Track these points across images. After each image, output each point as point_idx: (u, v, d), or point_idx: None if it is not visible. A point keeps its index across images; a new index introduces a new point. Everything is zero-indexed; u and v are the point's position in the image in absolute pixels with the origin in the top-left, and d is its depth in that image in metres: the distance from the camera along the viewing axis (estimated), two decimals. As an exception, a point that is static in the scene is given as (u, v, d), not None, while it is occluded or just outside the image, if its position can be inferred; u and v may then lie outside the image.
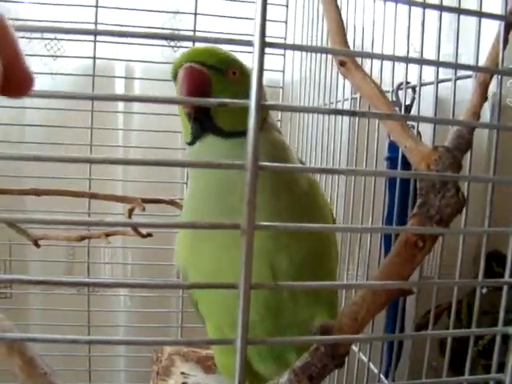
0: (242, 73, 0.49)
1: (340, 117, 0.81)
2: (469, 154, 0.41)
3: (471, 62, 0.45)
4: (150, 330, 0.97)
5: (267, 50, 0.25)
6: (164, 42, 1.03)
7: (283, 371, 0.41)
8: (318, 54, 0.89)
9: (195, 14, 0.96)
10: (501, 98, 0.43)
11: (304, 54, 0.97)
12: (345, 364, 0.42)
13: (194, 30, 0.97)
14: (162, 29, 1.05)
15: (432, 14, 0.52)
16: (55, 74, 1.01)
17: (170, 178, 1.02)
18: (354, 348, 0.72)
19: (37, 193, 0.77)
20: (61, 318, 0.97)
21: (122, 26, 0.93)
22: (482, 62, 0.42)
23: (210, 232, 0.47)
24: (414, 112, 0.62)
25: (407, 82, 0.61)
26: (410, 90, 0.62)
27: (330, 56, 0.79)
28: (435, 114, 0.53)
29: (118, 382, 1.09)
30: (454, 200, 0.34)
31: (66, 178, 0.89)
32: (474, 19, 0.45)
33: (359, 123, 0.73)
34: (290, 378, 0.39)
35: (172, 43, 1.04)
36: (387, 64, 0.65)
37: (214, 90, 0.47)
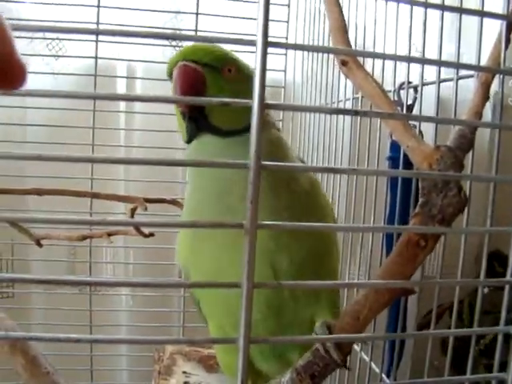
0: (239, 70, 0.48)
1: (342, 116, 0.81)
2: (471, 153, 0.41)
3: (473, 62, 0.44)
4: (151, 330, 0.97)
5: (269, 49, 0.25)
6: (165, 42, 1.03)
7: (285, 370, 0.41)
8: (320, 54, 0.89)
9: (197, 13, 0.97)
10: (503, 97, 0.43)
11: (306, 53, 0.97)
12: (347, 363, 0.42)
13: (196, 30, 0.97)
14: (164, 29, 1.05)
15: (434, 14, 0.52)
16: (57, 73, 1.01)
17: (172, 177, 1.02)
18: (356, 347, 0.72)
19: (39, 192, 0.77)
20: (63, 318, 0.97)
21: (124, 25, 0.93)
22: (483, 62, 0.42)
23: (210, 232, 0.47)
24: (415, 111, 0.62)
25: (409, 82, 0.60)
26: (411, 90, 0.62)
27: (331, 55, 0.79)
28: (437, 114, 0.53)
29: (119, 382, 1.09)
30: (456, 199, 0.34)
31: (68, 177, 0.89)
32: (475, 19, 0.45)
33: (361, 123, 0.73)
34: (293, 377, 0.39)
35: (173, 43, 1.04)
36: (389, 63, 0.65)
37: (209, 88, 0.47)
